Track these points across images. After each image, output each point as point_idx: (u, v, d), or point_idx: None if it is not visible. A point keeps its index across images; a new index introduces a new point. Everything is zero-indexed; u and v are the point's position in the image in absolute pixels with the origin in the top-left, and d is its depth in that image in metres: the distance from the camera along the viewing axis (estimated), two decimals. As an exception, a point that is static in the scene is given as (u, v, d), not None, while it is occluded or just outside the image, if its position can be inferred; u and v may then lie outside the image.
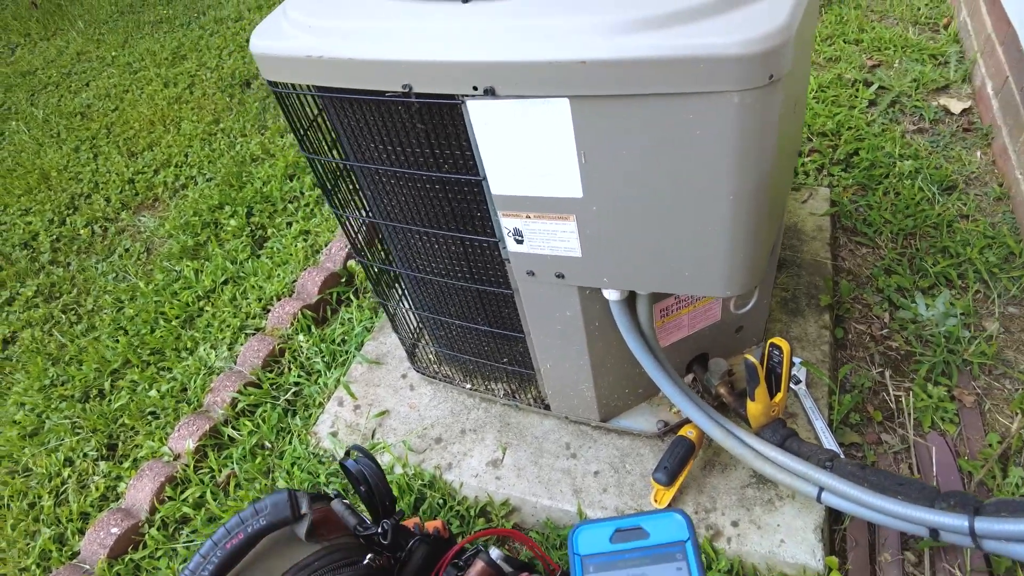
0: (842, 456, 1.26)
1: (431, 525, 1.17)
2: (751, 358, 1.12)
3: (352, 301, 1.86)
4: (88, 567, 1.40)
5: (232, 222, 2.27)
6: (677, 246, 0.91)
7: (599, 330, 1.15)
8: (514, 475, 1.35)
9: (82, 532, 1.49)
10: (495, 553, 1.06)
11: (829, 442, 1.30)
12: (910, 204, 1.81)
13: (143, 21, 4.15)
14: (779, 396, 1.17)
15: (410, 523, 1.15)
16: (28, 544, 1.51)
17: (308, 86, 0.99)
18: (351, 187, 1.19)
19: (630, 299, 1.08)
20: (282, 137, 2.68)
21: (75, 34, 4.21)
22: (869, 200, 1.85)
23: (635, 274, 0.97)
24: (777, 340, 1.14)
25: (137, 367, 1.86)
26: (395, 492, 1.36)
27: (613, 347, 1.19)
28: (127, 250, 2.35)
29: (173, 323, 1.96)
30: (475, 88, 0.82)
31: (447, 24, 0.83)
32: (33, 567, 1.46)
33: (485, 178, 0.94)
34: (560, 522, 1.30)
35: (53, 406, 1.81)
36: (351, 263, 1.93)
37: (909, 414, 1.38)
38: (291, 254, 2.07)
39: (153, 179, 2.65)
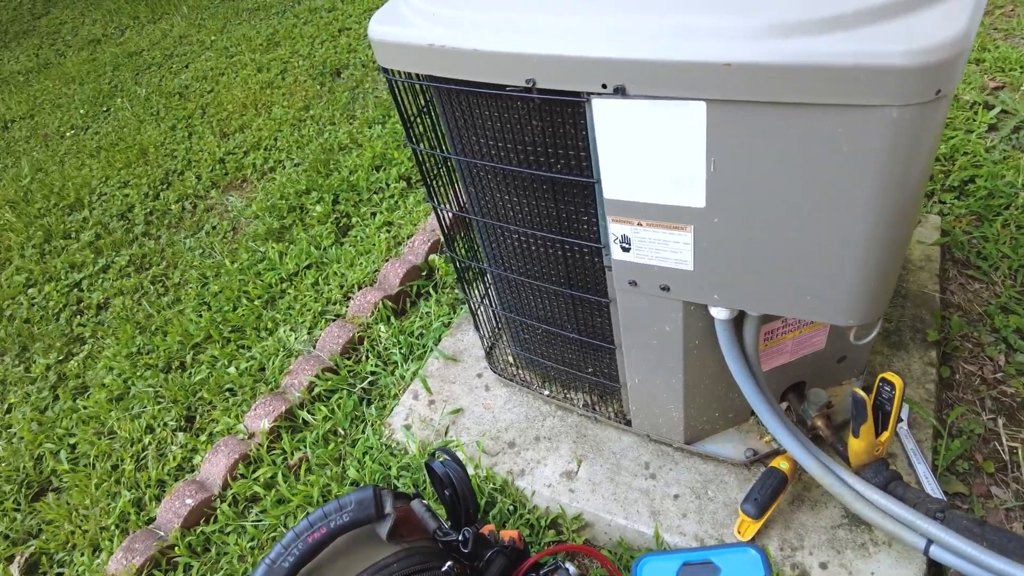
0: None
1: (507, 535, 1.14)
2: (860, 392, 1.04)
3: (431, 295, 1.85)
4: (163, 534, 1.43)
5: (318, 208, 2.30)
6: (803, 268, 0.85)
7: (698, 348, 1.09)
8: (588, 490, 1.30)
9: (158, 499, 1.53)
10: (573, 570, 1.02)
11: (933, 489, 1.20)
12: (1033, 240, 1.67)
13: (241, 8, 4.29)
14: (885, 435, 1.09)
15: (485, 530, 1.12)
16: (109, 504, 1.56)
17: (423, 75, 0.97)
18: (448, 181, 1.18)
19: (737, 319, 1.03)
20: (370, 128, 2.71)
21: (179, 18, 4.39)
22: (985, 232, 1.72)
23: (751, 293, 0.92)
24: (889, 375, 1.06)
25: (218, 343, 1.90)
26: (466, 494, 1.34)
27: (710, 367, 1.13)
28: (214, 227, 2.42)
29: (255, 302, 2.00)
30: (604, 86, 0.78)
31: (578, 18, 0.79)
32: (112, 527, 1.51)
33: (599, 180, 0.90)
34: (634, 544, 1.25)
35: (139, 374, 1.87)
36: (433, 257, 1.92)
37: (1026, 468, 1.27)
38: (374, 244, 2.09)
39: (243, 160, 2.72)
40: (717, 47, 0.70)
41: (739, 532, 1.18)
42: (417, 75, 0.98)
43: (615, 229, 0.95)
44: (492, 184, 1.07)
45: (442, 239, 1.23)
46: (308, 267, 2.09)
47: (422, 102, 1.09)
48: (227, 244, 2.33)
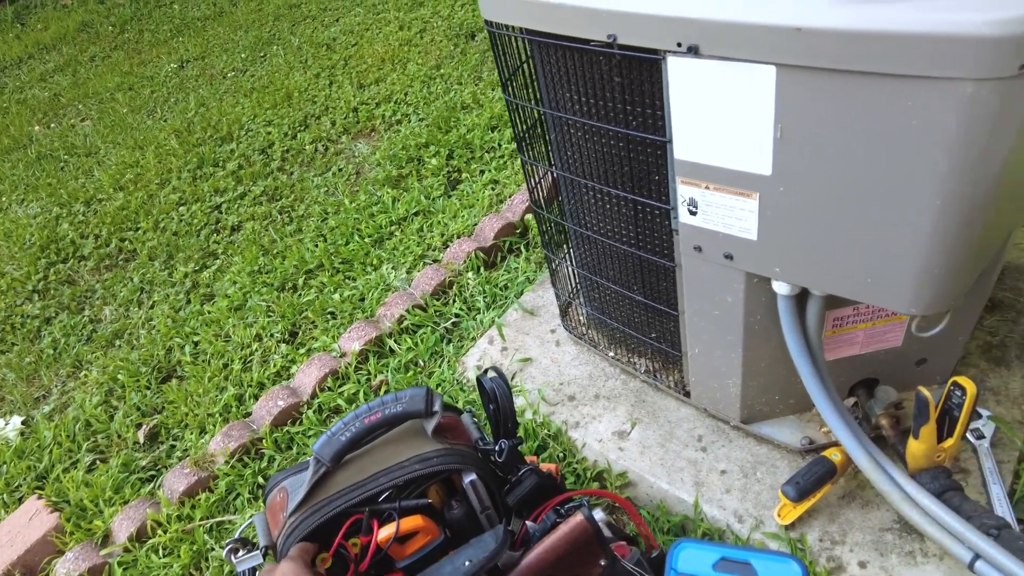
0: (1016, 528, 1.10)
1: (546, 467, 1.21)
2: (924, 391, 1.00)
3: (522, 252, 1.93)
4: (255, 427, 1.63)
5: (433, 161, 2.43)
6: (865, 246, 0.83)
7: (759, 324, 1.09)
8: (638, 451, 1.34)
9: (256, 397, 1.72)
10: (598, 515, 1.07)
11: (1004, 511, 1.13)
12: None
13: (395, -31, 4.50)
14: (950, 442, 1.04)
15: (528, 460, 1.20)
16: (217, 396, 1.78)
17: (520, 28, 1.03)
18: (542, 137, 1.23)
19: (801, 297, 1.02)
20: (493, 90, 2.80)
21: (338, -25, 4.68)
22: None
23: (811, 269, 0.91)
24: (963, 380, 1.01)
25: (328, 271, 2.08)
26: (521, 433, 1.42)
27: (771, 346, 1.13)
28: (340, 169, 2.62)
29: (365, 240, 2.16)
30: (679, 44, 0.81)
31: (664, -23, 0.82)
32: (217, 415, 1.72)
33: (671, 140, 0.93)
34: (673, 508, 1.28)
35: (256, 289, 2.09)
36: (528, 216, 1.99)
37: (1120, 510, 1.16)
38: (478, 199, 2.19)
39: (374, 111, 2.91)
40: (788, 11, 0.71)
41: (779, 515, 1.17)
42: (514, 27, 1.04)
43: (684, 191, 0.97)
44: (575, 139, 1.11)
45: (529, 192, 1.30)
46: (416, 214, 2.22)
47: (523, 57, 1.15)
48: (349, 185, 2.52)
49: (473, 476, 1.00)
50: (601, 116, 1.01)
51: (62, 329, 2.20)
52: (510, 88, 1.15)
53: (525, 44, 1.12)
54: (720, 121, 0.85)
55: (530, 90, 1.17)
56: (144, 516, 1.50)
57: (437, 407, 1.01)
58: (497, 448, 1.04)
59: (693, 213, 0.98)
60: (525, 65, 1.16)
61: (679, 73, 0.84)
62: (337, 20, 3.95)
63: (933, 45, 0.64)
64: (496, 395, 1.05)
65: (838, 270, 0.88)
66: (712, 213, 0.96)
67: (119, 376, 1.93)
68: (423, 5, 3.77)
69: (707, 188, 0.93)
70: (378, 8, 3.92)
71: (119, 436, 1.76)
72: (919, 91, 0.68)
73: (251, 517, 1.16)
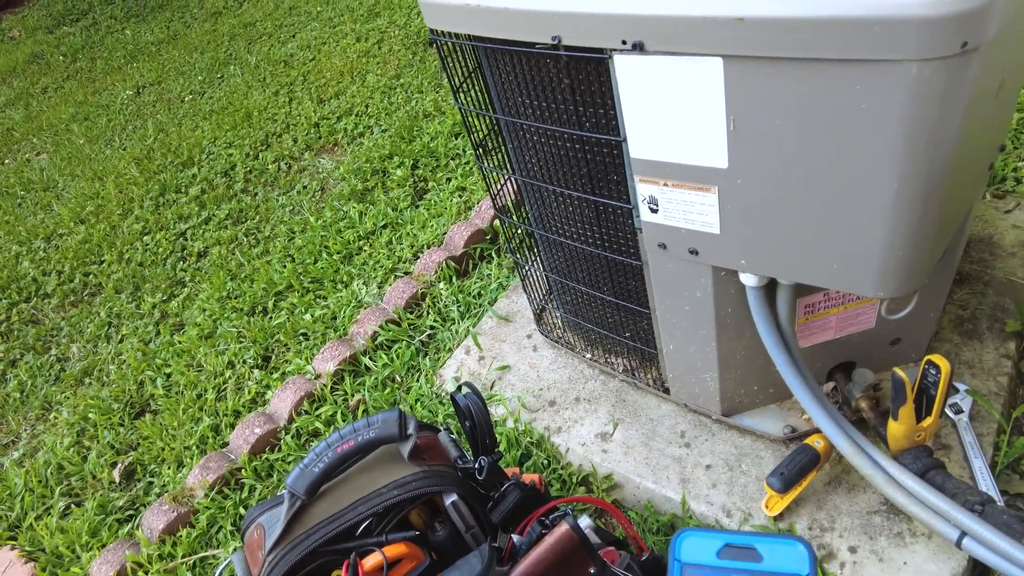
0: (1000, 503, 1.10)
1: (528, 478, 1.19)
2: (900, 372, 1.00)
3: (493, 258, 1.91)
4: (233, 457, 1.59)
5: (398, 172, 2.40)
6: (828, 233, 0.82)
7: (731, 317, 1.08)
8: (621, 452, 1.32)
9: (232, 426, 1.68)
10: (584, 522, 1.05)
11: (987, 485, 1.13)
12: None
13: (349, -20, 4.46)
14: (928, 420, 1.04)
15: (509, 472, 1.18)
16: (192, 428, 1.74)
17: (466, 35, 1.01)
18: (499, 143, 1.21)
19: (770, 287, 1.01)
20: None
21: (292, -11, 4.63)
22: (1096, 220, 1.56)
23: (777, 259, 0.90)
24: (936, 358, 1.01)
25: (298, 292, 2.05)
26: (503, 445, 1.40)
27: (745, 338, 1.12)
28: (304, 187, 2.58)
29: (334, 257, 2.13)
30: (624, 42, 0.79)
31: (605, -25, 0.80)
32: (194, 447, 1.68)
33: (625, 139, 0.91)
34: (661, 508, 1.26)
35: (226, 315, 2.05)
36: (496, 222, 1.97)
37: (1100, 473, 1.17)
38: (446, 207, 2.16)
39: (336, 125, 2.87)
40: (730, 1, 0.69)
41: (767, 507, 1.16)
42: (459, 35, 1.02)
43: (643, 189, 0.95)
44: (531, 143, 1.09)
45: (491, 199, 1.28)
46: (384, 227, 2.19)
47: (471, 65, 1.13)
48: (315, 203, 2.49)
49: (454, 496, 0.98)
50: (554, 119, 1.00)
51: (28, 371, 2.14)
52: (461, 96, 1.13)
53: (473, 51, 1.10)
54: (672, 117, 0.83)
55: (482, 97, 1.15)
56: (123, 559, 1.45)
57: (411, 430, 0.99)
58: (477, 466, 1.02)
59: (654, 211, 0.97)
60: (475, 72, 1.14)
61: (627, 71, 0.82)
62: (294, 36, 3.90)
63: (874, 28, 0.63)
64: (471, 412, 1.03)
65: (803, 258, 0.87)
66: (673, 210, 0.94)
67: (90, 415, 1.88)
68: (379, 15, 3.74)
69: (665, 185, 0.92)
70: (334, 21, 3.88)
71: (94, 477, 1.72)
72: (865, 75, 0.67)
73: (231, 554, 1.13)
